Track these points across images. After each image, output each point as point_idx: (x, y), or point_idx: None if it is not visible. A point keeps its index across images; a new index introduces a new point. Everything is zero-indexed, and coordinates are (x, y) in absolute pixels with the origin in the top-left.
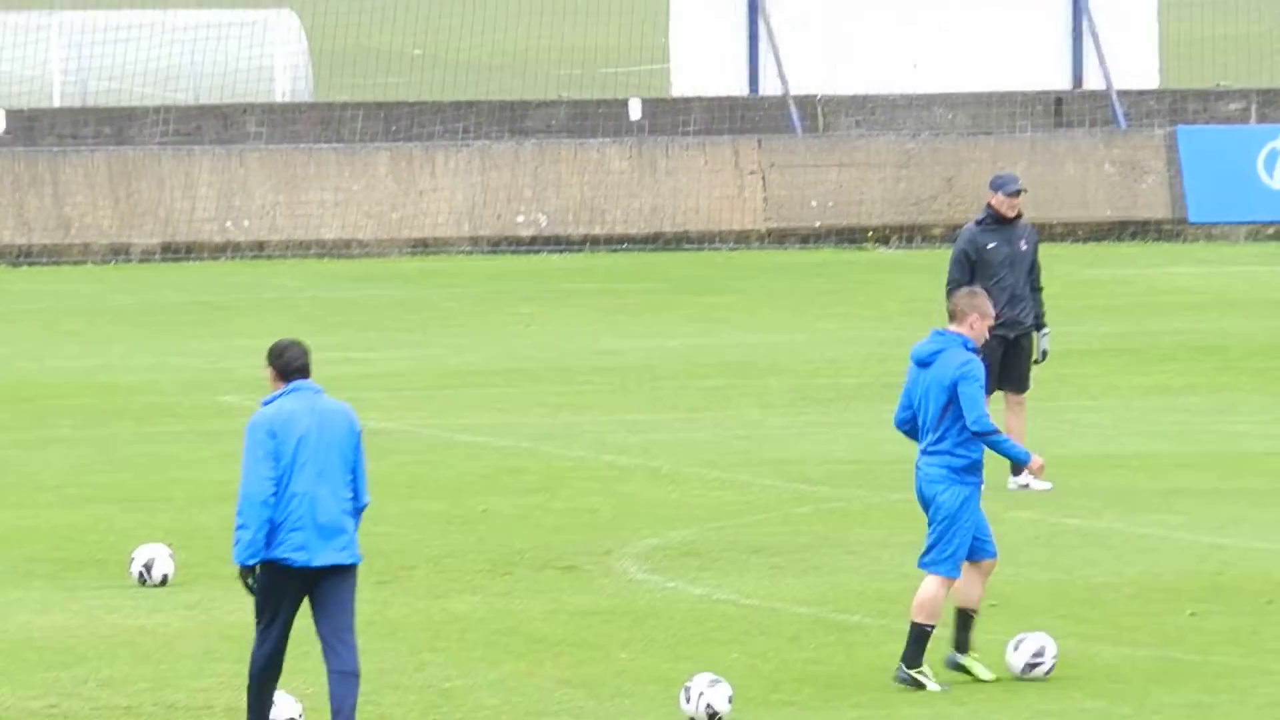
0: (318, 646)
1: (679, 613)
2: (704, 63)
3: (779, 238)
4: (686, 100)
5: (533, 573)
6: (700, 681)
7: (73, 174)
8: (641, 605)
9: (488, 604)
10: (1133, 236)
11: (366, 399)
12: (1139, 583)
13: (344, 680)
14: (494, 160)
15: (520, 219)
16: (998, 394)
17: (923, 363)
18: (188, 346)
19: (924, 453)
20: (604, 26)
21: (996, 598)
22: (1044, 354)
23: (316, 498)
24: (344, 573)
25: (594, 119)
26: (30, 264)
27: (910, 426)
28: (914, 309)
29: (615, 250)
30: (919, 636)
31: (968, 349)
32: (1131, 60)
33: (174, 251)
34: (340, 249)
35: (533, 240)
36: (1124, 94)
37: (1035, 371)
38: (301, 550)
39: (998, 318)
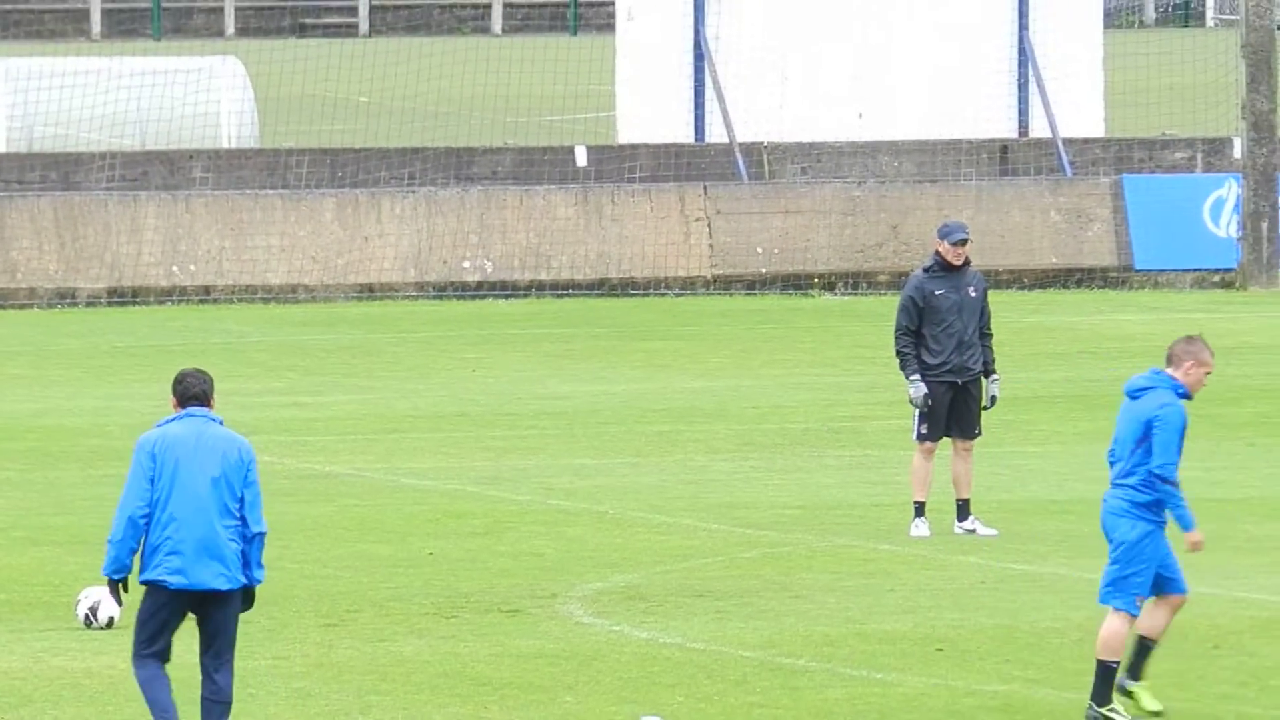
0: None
1: (625, 656)
2: (649, 110)
3: (725, 284)
4: (633, 147)
5: (478, 616)
6: None
7: (19, 219)
8: (587, 649)
9: (433, 647)
10: (1079, 284)
11: (313, 443)
12: (1084, 627)
13: (213, 709)
14: (440, 206)
15: (466, 264)
16: (945, 440)
17: (1132, 395)
18: (134, 390)
19: (1112, 484)
20: (549, 74)
21: (942, 642)
22: (993, 400)
23: (193, 522)
24: (225, 598)
25: (540, 166)
26: None
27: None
28: (859, 355)
29: (561, 296)
30: (1105, 674)
31: (1177, 394)
32: (1077, 109)
33: (120, 296)
34: (287, 294)
35: (479, 286)
36: (1070, 142)
37: (984, 418)
38: (178, 574)
39: (945, 364)
